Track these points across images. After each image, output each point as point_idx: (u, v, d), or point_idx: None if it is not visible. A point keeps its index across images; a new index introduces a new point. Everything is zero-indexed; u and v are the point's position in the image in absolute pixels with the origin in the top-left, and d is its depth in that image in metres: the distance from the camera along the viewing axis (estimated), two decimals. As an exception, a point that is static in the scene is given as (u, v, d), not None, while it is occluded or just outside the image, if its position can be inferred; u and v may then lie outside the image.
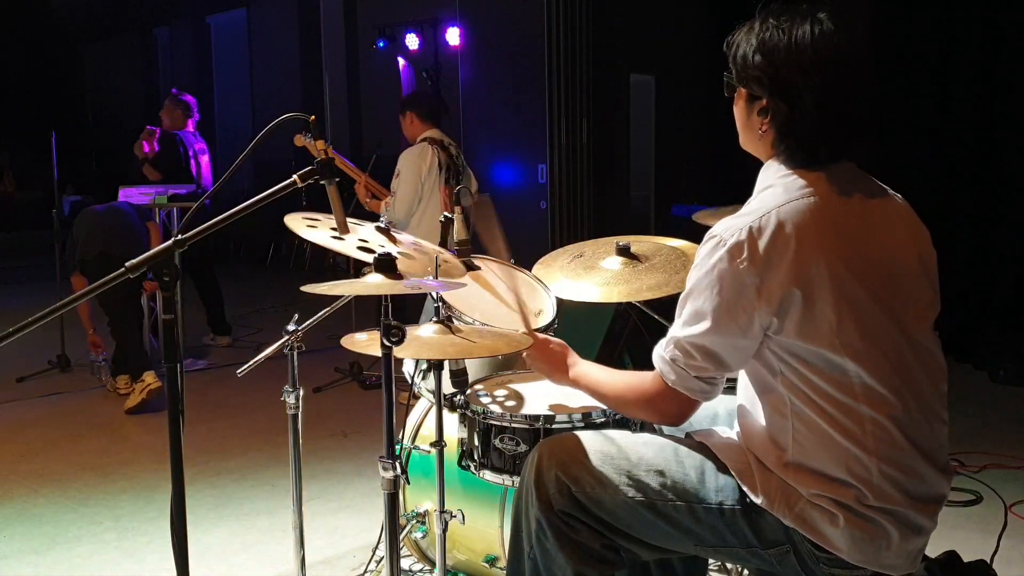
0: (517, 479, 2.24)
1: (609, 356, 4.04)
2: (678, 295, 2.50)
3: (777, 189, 1.72)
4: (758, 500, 1.73)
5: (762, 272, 1.64)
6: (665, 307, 2.87)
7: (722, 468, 1.81)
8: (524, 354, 2.18)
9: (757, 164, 1.88)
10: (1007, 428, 4.75)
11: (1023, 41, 5.80)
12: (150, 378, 5.36)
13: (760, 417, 1.77)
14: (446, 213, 2.85)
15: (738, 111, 1.83)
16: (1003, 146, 5.95)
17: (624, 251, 2.62)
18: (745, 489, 1.75)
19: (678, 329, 1.76)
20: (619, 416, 2.26)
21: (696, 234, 2.79)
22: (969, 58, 6.02)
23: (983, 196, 6.02)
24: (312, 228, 2.39)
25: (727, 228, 1.69)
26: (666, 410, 1.84)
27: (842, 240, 1.68)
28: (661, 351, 1.81)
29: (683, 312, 1.76)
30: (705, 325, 1.70)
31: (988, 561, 3.02)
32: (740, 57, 1.76)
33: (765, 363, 1.72)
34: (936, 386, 1.76)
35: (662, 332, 2.85)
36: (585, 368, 2.07)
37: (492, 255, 2.45)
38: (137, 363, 5.51)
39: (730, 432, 1.91)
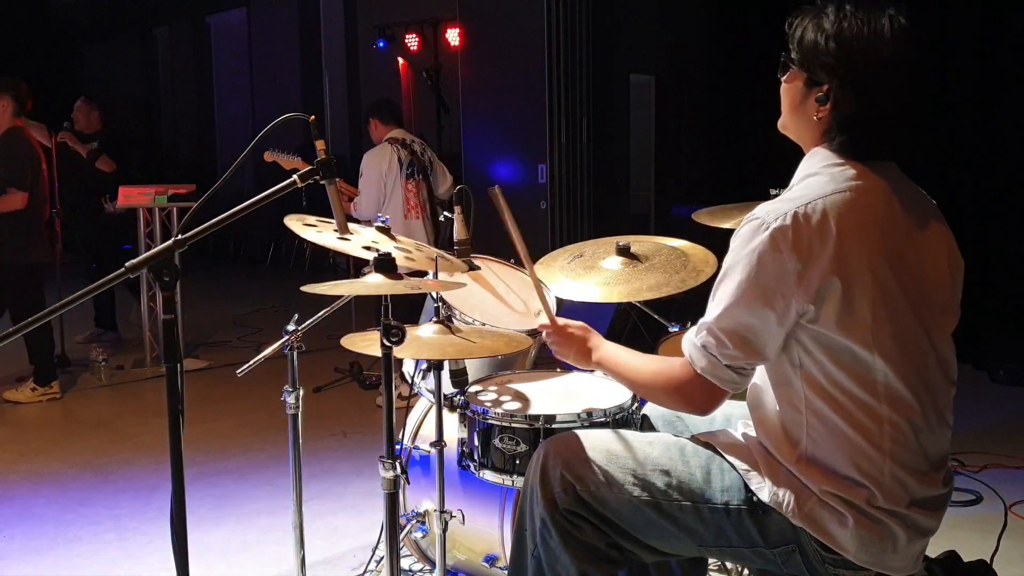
0: (517, 479, 2.24)
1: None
2: (678, 295, 2.51)
3: (823, 178, 1.70)
4: (765, 498, 1.73)
5: (805, 259, 1.62)
6: (665, 307, 2.88)
7: (728, 468, 1.80)
8: (547, 340, 2.15)
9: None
10: (1007, 428, 4.76)
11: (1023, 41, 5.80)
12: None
13: (774, 409, 1.76)
14: (446, 213, 2.85)
15: (791, 93, 1.79)
16: (1005, 147, 5.95)
17: (624, 251, 2.62)
18: (752, 488, 1.75)
19: (711, 314, 1.72)
20: (619, 415, 2.26)
21: (696, 233, 2.80)
22: (970, 57, 6.02)
23: (984, 197, 6.02)
24: (313, 229, 2.39)
25: (771, 211, 1.66)
26: (693, 399, 1.80)
27: (884, 237, 1.67)
28: (692, 337, 1.77)
29: (717, 295, 1.72)
30: (741, 308, 1.67)
31: (988, 561, 3.02)
32: (808, 41, 1.72)
33: (788, 354, 1.71)
34: (949, 393, 1.77)
35: (662, 332, 2.86)
36: (609, 351, 2.02)
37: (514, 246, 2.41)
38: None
39: (736, 434, 1.91)
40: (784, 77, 1.81)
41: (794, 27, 1.76)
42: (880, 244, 1.66)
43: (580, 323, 2.13)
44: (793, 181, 1.78)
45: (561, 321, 2.14)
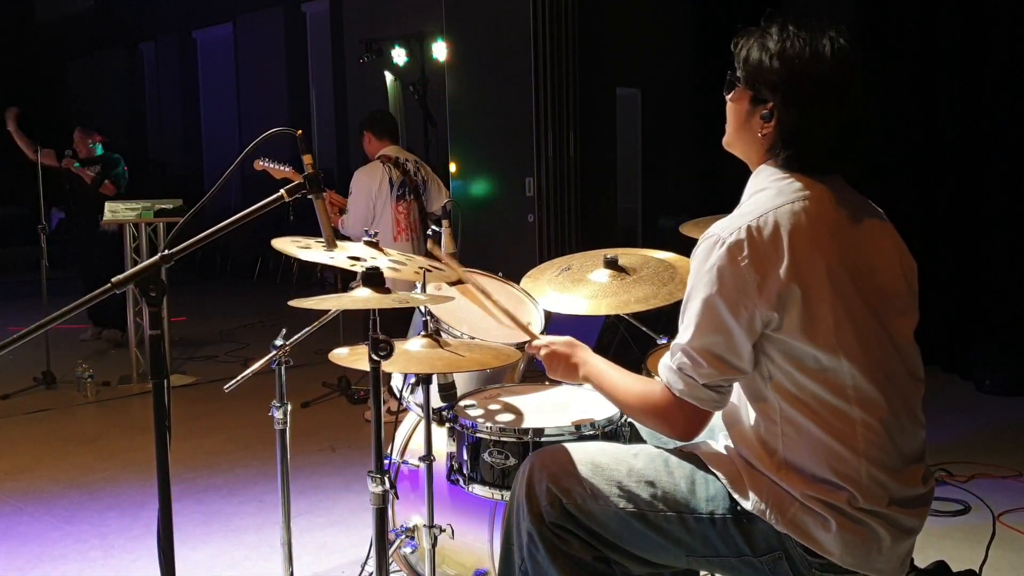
0: (506, 493, 2.24)
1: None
2: (665, 307, 2.52)
3: (771, 191, 1.75)
4: (749, 507, 1.74)
5: (763, 269, 1.66)
6: (653, 319, 2.88)
7: (712, 478, 1.81)
8: (538, 353, 2.15)
9: (744, 175, 1.89)
10: (994, 438, 4.77)
11: (1007, 53, 5.85)
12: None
13: (749, 423, 1.78)
14: (434, 227, 2.85)
15: (736, 110, 1.84)
16: (988, 158, 5.99)
17: (612, 264, 2.62)
18: (736, 497, 1.76)
19: (683, 337, 1.75)
20: (609, 429, 2.26)
21: (684, 246, 2.80)
22: (953, 69, 6.07)
23: (969, 207, 6.06)
24: (304, 248, 2.38)
25: (724, 227, 1.70)
26: (676, 423, 1.80)
27: (837, 244, 1.71)
28: (667, 361, 1.78)
29: (685, 317, 1.75)
30: (709, 325, 1.70)
31: (977, 571, 3.03)
32: (753, 60, 1.77)
33: (758, 369, 1.74)
34: (917, 391, 1.80)
35: (650, 344, 2.87)
36: (596, 367, 2.03)
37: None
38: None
39: (718, 445, 1.92)
40: (730, 96, 1.85)
41: (739, 47, 1.81)
42: (834, 250, 1.70)
43: (565, 338, 2.14)
44: (743, 198, 1.82)
45: (545, 339, 2.16)
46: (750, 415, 1.78)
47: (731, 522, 1.77)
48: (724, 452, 1.86)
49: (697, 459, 1.86)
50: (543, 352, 2.13)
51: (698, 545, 1.80)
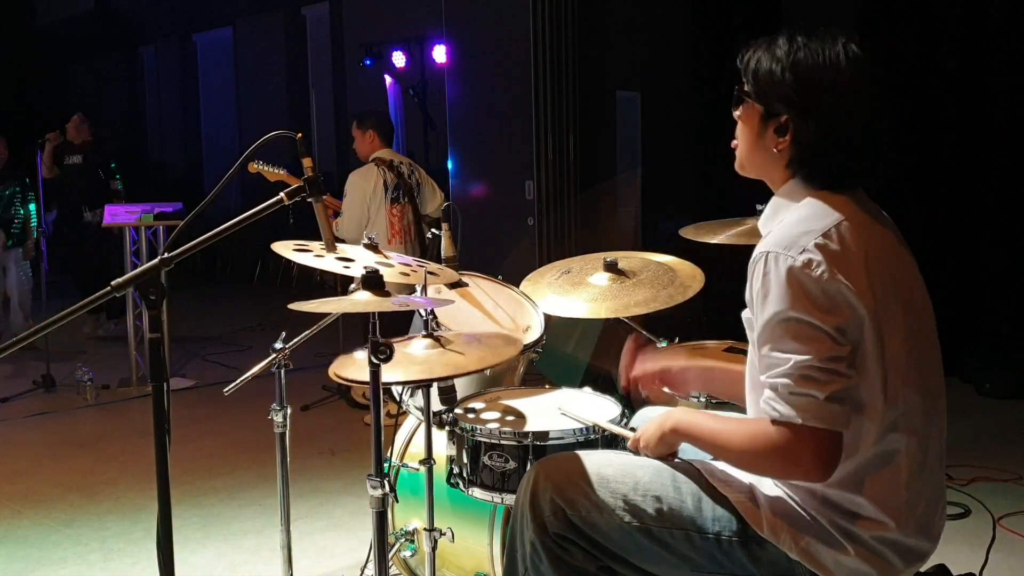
0: (506, 496, 2.24)
1: (597, 373, 4.04)
2: (665, 310, 2.52)
3: (810, 210, 1.68)
4: (761, 532, 1.70)
5: (844, 280, 1.57)
6: (653, 323, 2.88)
7: (720, 499, 1.77)
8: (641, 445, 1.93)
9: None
10: (994, 441, 4.77)
11: (1007, 53, 5.85)
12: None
13: None
14: (433, 230, 2.85)
15: (748, 127, 1.77)
16: (988, 161, 6.00)
17: (612, 267, 2.62)
18: (748, 520, 1.72)
19: (783, 364, 1.57)
20: (608, 432, 2.25)
21: (683, 249, 2.81)
22: (953, 71, 6.07)
23: (969, 210, 6.06)
24: (306, 252, 2.38)
25: (788, 245, 1.60)
26: (803, 458, 1.57)
27: (881, 264, 1.65)
28: (772, 399, 1.59)
29: (771, 345, 1.60)
30: (803, 337, 1.56)
31: (977, 574, 3.03)
32: (763, 73, 1.70)
33: None
34: (943, 406, 1.78)
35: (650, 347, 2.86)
36: (691, 423, 1.81)
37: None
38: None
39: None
40: (738, 112, 1.78)
41: (747, 59, 1.74)
42: (879, 272, 1.64)
43: (657, 416, 1.93)
44: (770, 211, 1.76)
45: (640, 433, 1.94)
46: None
47: (738, 544, 1.73)
48: (734, 474, 1.82)
49: (704, 479, 1.81)
50: (641, 447, 1.91)
51: (703, 561, 1.77)
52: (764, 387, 1.61)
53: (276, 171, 5.10)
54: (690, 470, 1.85)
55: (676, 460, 1.91)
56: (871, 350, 1.60)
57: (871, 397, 1.63)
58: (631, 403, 2.41)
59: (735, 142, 1.83)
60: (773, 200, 1.78)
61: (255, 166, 5.09)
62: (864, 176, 1.74)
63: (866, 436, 1.65)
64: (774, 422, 1.59)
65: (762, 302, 1.61)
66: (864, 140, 1.69)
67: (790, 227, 1.66)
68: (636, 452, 1.93)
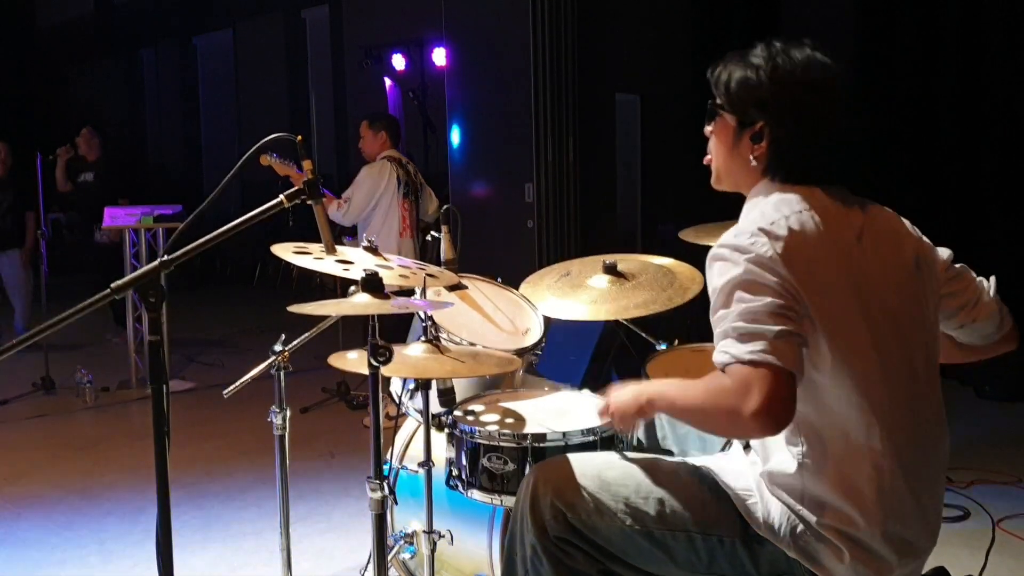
0: (505, 498, 2.24)
1: (597, 374, 4.05)
2: (665, 313, 2.52)
3: (774, 201, 1.70)
4: (760, 530, 1.71)
5: (789, 263, 1.58)
6: (652, 325, 2.88)
7: (723, 497, 1.78)
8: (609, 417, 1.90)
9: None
10: (993, 444, 4.77)
11: (1008, 54, 5.86)
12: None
13: (773, 442, 1.74)
14: (433, 232, 2.86)
15: (722, 140, 1.79)
16: (987, 163, 6.01)
17: (611, 269, 2.63)
18: (748, 519, 1.73)
19: (732, 313, 1.57)
20: (607, 433, 2.25)
21: (683, 252, 2.81)
22: (952, 72, 6.08)
23: (968, 211, 6.07)
24: (306, 254, 2.38)
25: (737, 234, 1.63)
26: (755, 398, 1.50)
27: (846, 261, 1.67)
28: (722, 346, 1.57)
29: (720, 305, 1.60)
30: (751, 292, 1.56)
31: (977, 577, 3.03)
32: (735, 82, 1.73)
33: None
34: (936, 395, 1.78)
35: (650, 350, 2.87)
36: (658, 389, 1.80)
37: None
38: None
39: (733, 460, 1.88)
40: (711, 127, 1.81)
41: (717, 74, 1.77)
42: (842, 266, 1.65)
43: (624, 389, 1.87)
44: (742, 215, 1.77)
45: (612, 397, 1.89)
46: (776, 437, 1.72)
47: (740, 544, 1.74)
48: (739, 468, 1.83)
49: (708, 477, 1.82)
50: (611, 411, 1.88)
51: (704, 563, 1.77)
52: (717, 340, 1.59)
53: (287, 166, 5.12)
54: (692, 470, 1.86)
55: (677, 459, 1.92)
56: (823, 331, 1.60)
57: (822, 362, 1.61)
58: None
59: (708, 157, 1.85)
60: (745, 203, 1.79)
61: (267, 159, 5.13)
62: (840, 171, 1.76)
63: (844, 425, 1.64)
64: (724, 367, 1.55)
65: (715, 281, 1.63)
66: (838, 137, 1.72)
67: (744, 221, 1.70)
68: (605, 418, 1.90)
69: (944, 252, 1.87)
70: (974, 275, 1.93)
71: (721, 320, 1.59)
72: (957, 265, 1.90)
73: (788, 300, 1.56)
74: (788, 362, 1.52)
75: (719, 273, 1.63)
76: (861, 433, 1.65)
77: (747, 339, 1.53)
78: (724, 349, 1.56)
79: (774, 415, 1.51)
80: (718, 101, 1.78)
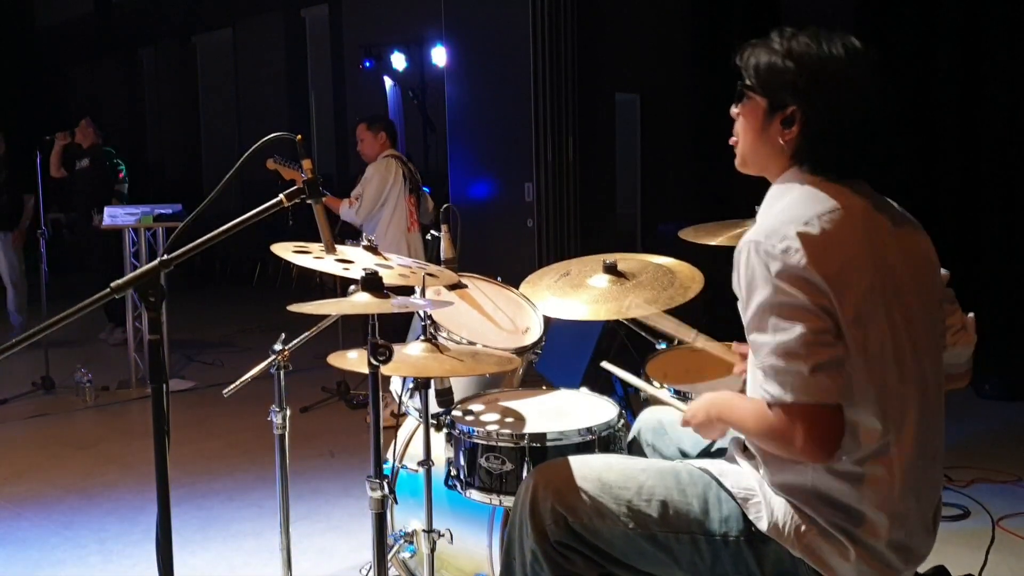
0: (504, 498, 2.23)
1: (597, 374, 4.04)
2: (664, 312, 2.51)
3: (805, 195, 1.68)
4: (764, 528, 1.70)
5: (823, 270, 1.57)
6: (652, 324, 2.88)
7: (726, 497, 1.77)
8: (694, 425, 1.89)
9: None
10: (994, 442, 4.77)
11: (1007, 55, 5.86)
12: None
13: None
14: (433, 231, 2.86)
15: (750, 122, 1.76)
16: (987, 163, 6.01)
17: (611, 269, 2.62)
18: (751, 518, 1.72)
19: (769, 345, 1.58)
20: (606, 433, 2.24)
21: (683, 251, 2.81)
22: (952, 71, 6.08)
23: (967, 211, 6.07)
24: (305, 254, 2.38)
25: (770, 234, 1.61)
26: (799, 439, 1.57)
27: (878, 260, 1.65)
28: (763, 381, 1.60)
29: (756, 332, 1.61)
30: (787, 319, 1.56)
31: (976, 575, 3.03)
32: (765, 64, 1.70)
33: None
34: (941, 404, 1.77)
35: (650, 349, 2.87)
36: (727, 403, 1.79)
37: None
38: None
39: (736, 460, 1.87)
40: (740, 108, 1.78)
41: (746, 57, 1.75)
42: (877, 264, 1.64)
43: (699, 402, 1.88)
44: (766, 204, 1.75)
45: (689, 412, 1.90)
46: None
47: (744, 543, 1.73)
48: (741, 469, 1.81)
49: (711, 476, 1.81)
50: (693, 427, 1.89)
51: (707, 565, 1.76)
52: (757, 370, 1.62)
53: (293, 170, 5.14)
54: (694, 471, 1.84)
55: (678, 460, 1.92)
56: (851, 340, 1.59)
57: (858, 376, 1.61)
58: (629, 404, 2.42)
59: (734, 139, 1.82)
60: (771, 189, 1.77)
61: (273, 163, 5.15)
62: (868, 165, 1.73)
63: (856, 429, 1.64)
64: (768, 405, 1.60)
65: (747, 291, 1.63)
66: (868, 128, 1.69)
67: (777, 215, 1.67)
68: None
69: (943, 272, 1.87)
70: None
71: (758, 348, 1.62)
72: (948, 288, 1.90)
73: (820, 322, 1.57)
74: (827, 396, 1.57)
75: (747, 281, 1.62)
76: (872, 437, 1.64)
77: (784, 378, 1.57)
78: (765, 388, 1.61)
79: (823, 447, 1.59)
80: (748, 83, 1.75)
